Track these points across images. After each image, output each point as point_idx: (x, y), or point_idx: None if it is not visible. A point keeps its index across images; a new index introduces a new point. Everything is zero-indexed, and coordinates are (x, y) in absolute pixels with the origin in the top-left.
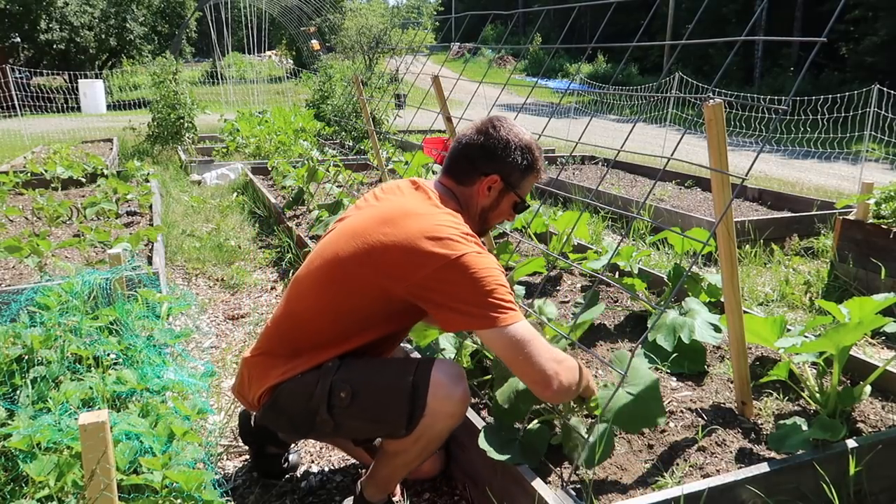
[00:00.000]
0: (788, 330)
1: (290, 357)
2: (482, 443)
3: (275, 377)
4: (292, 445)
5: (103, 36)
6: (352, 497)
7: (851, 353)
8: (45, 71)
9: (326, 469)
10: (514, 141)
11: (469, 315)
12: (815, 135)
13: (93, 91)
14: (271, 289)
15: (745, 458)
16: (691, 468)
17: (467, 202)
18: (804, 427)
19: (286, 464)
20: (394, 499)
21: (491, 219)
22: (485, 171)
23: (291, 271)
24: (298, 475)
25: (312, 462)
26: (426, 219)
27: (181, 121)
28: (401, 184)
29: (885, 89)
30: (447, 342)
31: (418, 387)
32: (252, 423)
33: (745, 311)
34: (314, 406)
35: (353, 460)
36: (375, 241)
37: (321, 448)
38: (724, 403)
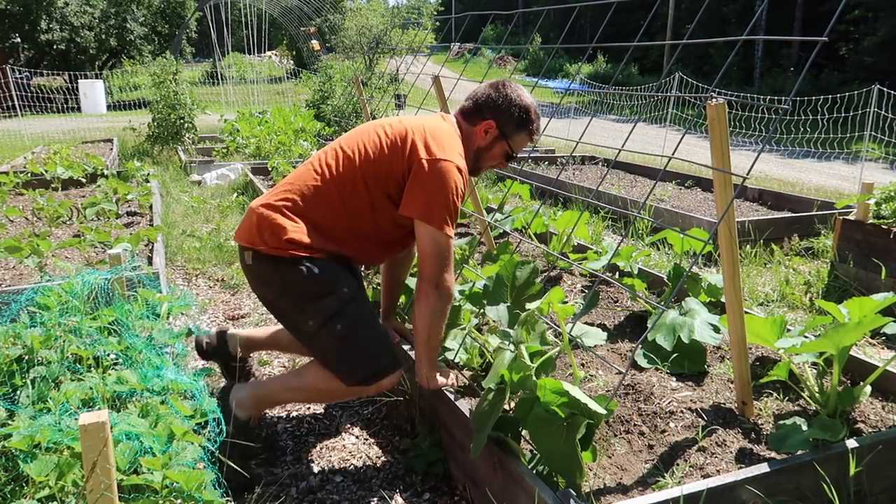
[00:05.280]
0: (788, 330)
1: (301, 216)
2: (472, 420)
3: (289, 233)
4: (250, 356)
5: (103, 36)
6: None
7: (851, 353)
8: (45, 71)
9: (326, 469)
10: (515, 99)
11: (424, 207)
12: (815, 135)
13: (93, 91)
14: None
15: (745, 458)
16: (691, 468)
17: (468, 138)
18: (804, 427)
19: (248, 368)
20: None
21: (484, 159)
22: (485, 116)
23: None
24: (298, 475)
25: (312, 462)
26: (439, 130)
27: (181, 121)
28: (437, 114)
29: (885, 89)
30: (454, 343)
31: (381, 371)
32: (206, 348)
33: (745, 312)
34: (311, 309)
35: (353, 460)
36: (405, 128)
37: (321, 448)
38: (724, 403)
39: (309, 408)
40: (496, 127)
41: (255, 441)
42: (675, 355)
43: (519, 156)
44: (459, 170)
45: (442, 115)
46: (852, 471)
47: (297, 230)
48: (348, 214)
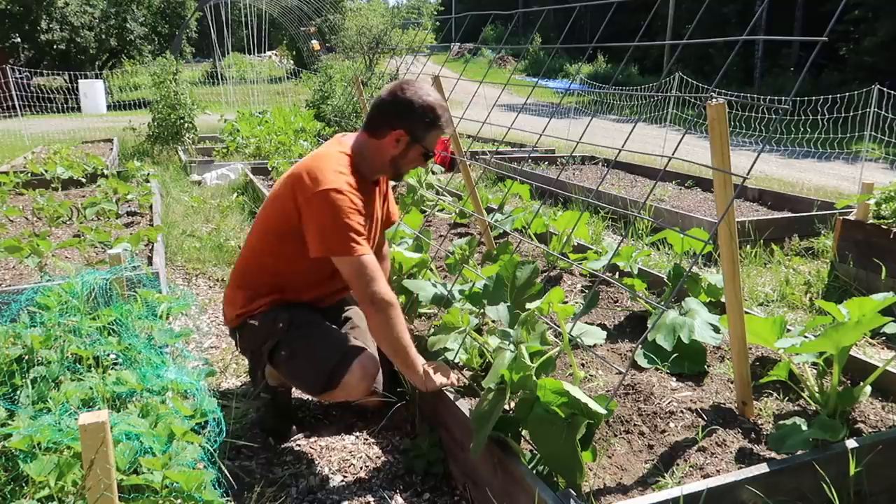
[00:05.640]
0: (788, 330)
1: (240, 286)
2: (472, 420)
3: (238, 307)
4: None
5: (103, 36)
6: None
7: (851, 353)
8: (45, 71)
9: (326, 469)
10: (417, 102)
11: (323, 243)
12: (815, 135)
13: (93, 91)
14: None
15: (745, 458)
16: (691, 468)
17: (378, 152)
18: (804, 427)
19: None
20: (280, 389)
21: (402, 165)
22: (393, 126)
23: None
24: (298, 475)
25: (312, 462)
26: (317, 159)
27: (181, 121)
28: (333, 138)
29: (885, 89)
30: (454, 343)
31: (336, 372)
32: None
33: (745, 312)
34: (262, 351)
35: (353, 460)
36: (290, 173)
37: (321, 448)
38: (724, 403)
39: (309, 408)
40: (406, 134)
41: (283, 406)
42: (675, 355)
43: (518, 156)
44: (339, 191)
45: (336, 139)
46: (852, 471)
47: (243, 302)
48: (283, 273)
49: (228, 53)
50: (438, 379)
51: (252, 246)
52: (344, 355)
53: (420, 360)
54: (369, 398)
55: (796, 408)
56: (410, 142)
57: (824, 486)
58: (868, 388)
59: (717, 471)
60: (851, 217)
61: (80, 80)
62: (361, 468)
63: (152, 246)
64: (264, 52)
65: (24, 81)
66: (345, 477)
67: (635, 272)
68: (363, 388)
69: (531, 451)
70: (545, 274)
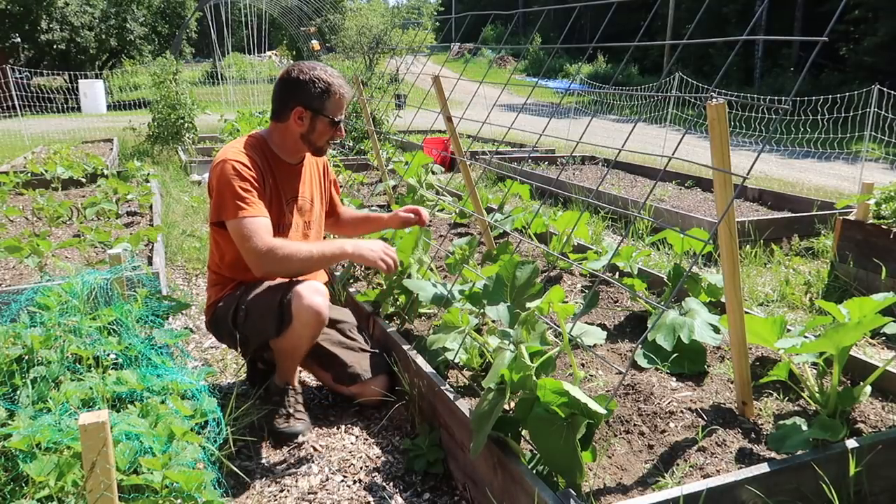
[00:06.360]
0: (788, 330)
1: (211, 285)
2: (472, 420)
3: (209, 301)
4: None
5: (103, 36)
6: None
7: (851, 353)
8: (45, 71)
9: (327, 469)
10: (305, 77)
11: (216, 206)
12: (815, 135)
13: (93, 91)
14: None
15: (745, 458)
16: (691, 468)
17: (287, 133)
18: (804, 427)
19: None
20: (288, 387)
21: (315, 140)
22: (291, 106)
23: None
24: (298, 475)
25: (312, 462)
26: (222, 149)
27: (181, 121)
28: None
29: (885, 89)
30: (454, 343)
31: (285, 303)
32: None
33: (745, 312)
34: (230, 323)
35: (353, 460)
36: None
37: (321, 448)
38: (724, 403)
39: (309, 408)
40: (306, 109)
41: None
42: (675, 355)
43: (518, 156)
44: (227, 160)
45: (248, 133)
46: (852, 471)
47: (215, 296)
48: (235, 266)
49: (228, 53)
50: (375, 253)
51: (211, 248)
52: (287, 289)
53: (340, 243)
54: (364, 393)
55: (796, 408)
56: (313, 115)
57: (824, 486)
58: (868, 388)
59: (717, 471)
60: (851, 217)
61: (80, 80)
62: (361, 468)
63: (152, 246)
64: (264, 52)
65: (24, 81)
66: (345, 477)
67: (635, 272)
68: (313, 308)
69: (531, 450)
70: (545, 274)
